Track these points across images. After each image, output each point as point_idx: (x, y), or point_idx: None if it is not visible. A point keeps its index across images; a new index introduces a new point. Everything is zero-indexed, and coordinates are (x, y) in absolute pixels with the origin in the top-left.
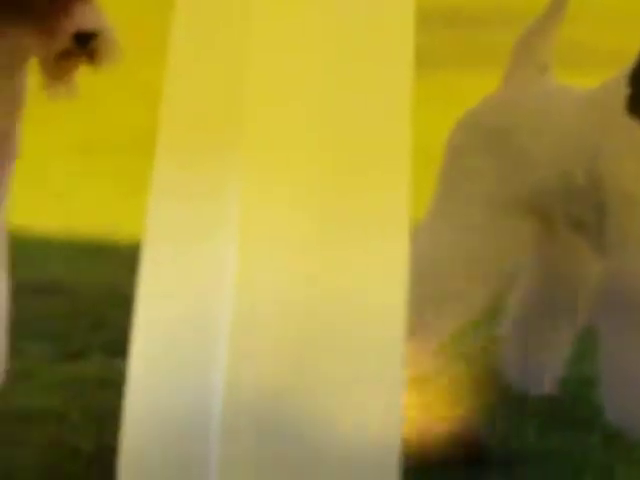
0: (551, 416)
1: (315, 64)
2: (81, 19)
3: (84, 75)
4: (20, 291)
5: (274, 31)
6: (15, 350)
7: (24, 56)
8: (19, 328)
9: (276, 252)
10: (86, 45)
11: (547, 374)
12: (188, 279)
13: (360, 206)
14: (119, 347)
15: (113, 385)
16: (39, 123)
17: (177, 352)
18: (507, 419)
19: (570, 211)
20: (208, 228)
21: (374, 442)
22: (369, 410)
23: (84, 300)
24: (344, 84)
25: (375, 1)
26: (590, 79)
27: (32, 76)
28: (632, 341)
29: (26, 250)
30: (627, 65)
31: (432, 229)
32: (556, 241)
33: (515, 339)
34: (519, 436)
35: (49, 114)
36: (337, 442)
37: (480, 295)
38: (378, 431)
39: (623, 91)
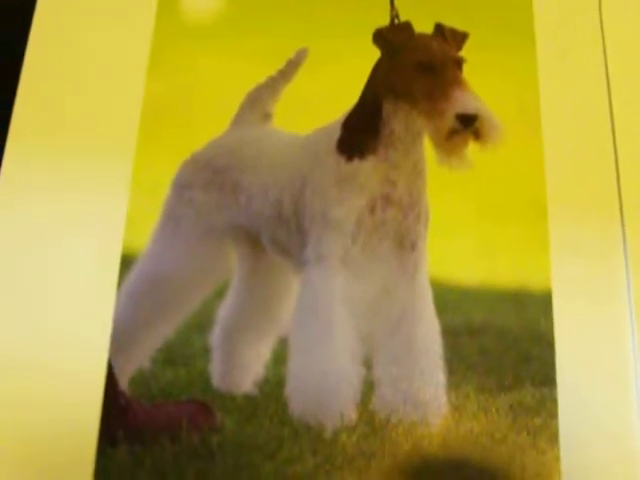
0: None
1: None
2: (461, 103)
3: (475, 151)
4: (455, 332)
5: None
6: (453, 382)
7: (417, 133)
8: (456, 363)
9: None
10: (469, 125)
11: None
12: (593, 322)
13: None
14: (546, 378)
15: (546, 410)
16: (442, 192)
17: (596, 381)
18: None
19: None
20: (600, 277)
21: None
22: None
23: (509, 337)
24: None
25: None
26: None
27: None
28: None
29: (447, 297)
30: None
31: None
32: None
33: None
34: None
35: (450, 185)
36: None
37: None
38: None
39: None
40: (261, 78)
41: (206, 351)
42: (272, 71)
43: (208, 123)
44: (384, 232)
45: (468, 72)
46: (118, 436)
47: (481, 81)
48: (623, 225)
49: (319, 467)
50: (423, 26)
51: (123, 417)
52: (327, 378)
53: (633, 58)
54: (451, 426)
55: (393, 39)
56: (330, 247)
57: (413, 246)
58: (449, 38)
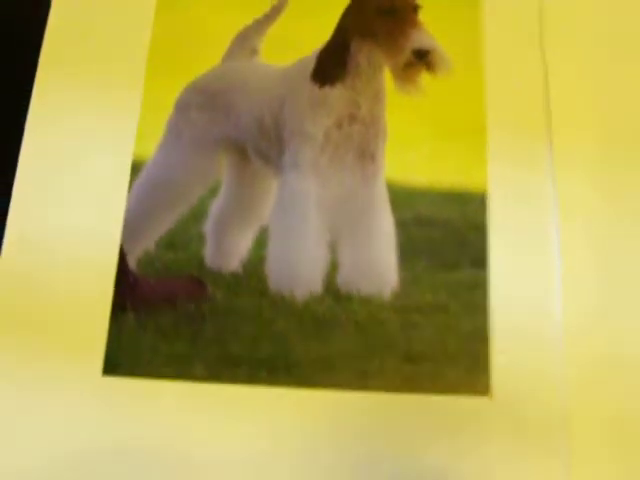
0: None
1: None
2: (416, 40)
3: (427, 80)
4: (406, 224)
5: (571, 27)
6: (404, 264)
7: (379, 66)
8: (407, 249)
9: None
10: (423, 59)
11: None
12: (519, 216)
13: None
14: (480, 260)
15: (480, 287)
16: (400, 113)
17: (521, 262)
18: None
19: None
20: (528, 181)
21: None
22: None
23: (451, 228)
24: None
25: None
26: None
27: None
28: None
29: (401, 197)
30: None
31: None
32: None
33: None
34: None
35: (405, 108)
36: None
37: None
38: None
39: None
40: (250, 19)
41: (200, 237)
42: (260, 13)
43: (207, 56)
44: (349, 145)
45: (422, 16)
46: (127, 305)
47: (433, 25)
48: (550, 141)
49: (291, 329)
50: None
51: (131, 290)
52: (299, 258)
53: (566, 11)
54: (402, 297)
55: None
56: (304, 156)
57: (373, 157)
58: None
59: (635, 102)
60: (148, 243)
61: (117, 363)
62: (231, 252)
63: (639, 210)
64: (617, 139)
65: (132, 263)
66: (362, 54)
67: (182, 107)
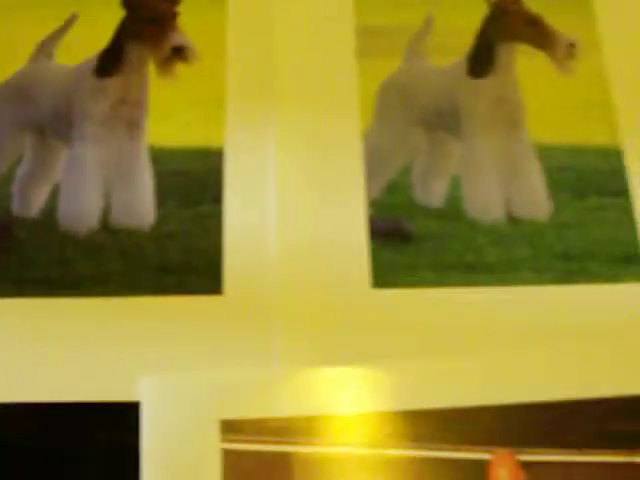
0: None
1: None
2: (175, 39)
3: (183, 68)
4: (162, 174)
5: (296, 17)
6: (160, 204)
7: (146, 60)
8: (162, 193)
9: None
10: (180, 53)
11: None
12: (248, 163)
13: None
14: (218, 198)
15: (216, 217)
16: (162, 93)
17: (247, 197)
18: None
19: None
20: (253, 141)
21: None
22: None
23: (197, 174)
24: None
25: None
26: None
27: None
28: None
29: (162, 156)
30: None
31: None
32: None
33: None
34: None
35: (166, 88)
36: None
37: None
38: None
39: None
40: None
41: (9, 195)
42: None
43: (17, 60)
44: (121, 120)
45: (180, 20)
46: None
47: (188, 27)
48: (274, 109)
49: (76, 256)
50: None
51: None
52: (80, 204)
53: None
54: (157, 229)
55: (132, 2)
56: (87, 131)
57: (138, 127)
58: None
59: (338, 77)
60: None
61: None
62: (32, 204)
63: (336, 156)
64: (326, 105)
65: None
66: (133, 52)
67: None
